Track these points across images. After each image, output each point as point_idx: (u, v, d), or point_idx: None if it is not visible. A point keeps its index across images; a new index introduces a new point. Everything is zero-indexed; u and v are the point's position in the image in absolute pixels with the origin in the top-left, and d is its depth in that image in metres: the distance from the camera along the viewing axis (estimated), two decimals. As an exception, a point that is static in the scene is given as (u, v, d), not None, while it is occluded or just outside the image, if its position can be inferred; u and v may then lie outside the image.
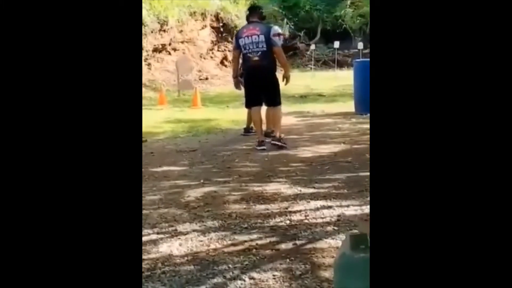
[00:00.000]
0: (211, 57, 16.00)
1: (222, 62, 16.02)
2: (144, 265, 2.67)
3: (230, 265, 2.63)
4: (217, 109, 10.25)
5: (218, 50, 16.19)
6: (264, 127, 6.18)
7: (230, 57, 14.26)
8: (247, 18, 6.23)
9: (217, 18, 16.31)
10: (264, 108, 6.09)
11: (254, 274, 2.51)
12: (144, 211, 3.61)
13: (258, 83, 5.89)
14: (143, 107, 8.17)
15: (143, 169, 5.00)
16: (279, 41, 5.91)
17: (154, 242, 3.01)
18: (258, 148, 5.78)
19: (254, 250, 2.84)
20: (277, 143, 5.80)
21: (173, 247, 2.92)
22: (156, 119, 8.35)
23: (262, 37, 5.72)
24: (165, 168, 5.10)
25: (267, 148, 5.75)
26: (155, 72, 13.74)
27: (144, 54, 10.37)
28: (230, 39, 16.04)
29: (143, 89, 11.00)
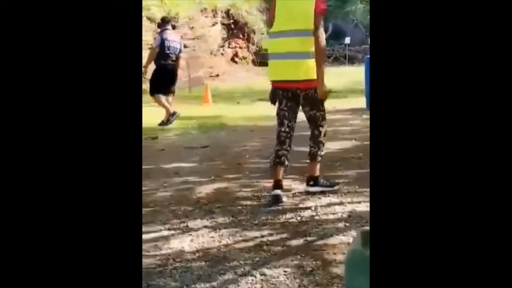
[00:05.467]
0: (222, 54, 16.01)
1: (232, 59, 16.01)
2: (156, 261, 2.68)
3: (241, 261, 2.64)
4: (228, 106, 10.26)
5: (228, 47, 16.20)
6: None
7: (241, 54, 14.50)
8: (160, 25, 8.32)
9: (227, 14, 16.31)
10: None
11: (265, 270, 2.52)
12: (155, 208, 3.63)
13: (171, 76, 8.01)
14: (154, 104, 8.20)
15: (154, 166, 5.03)
16: (182, 51, 8.47)
17: (166, 238, 3.02)
18: (172, 119, 7.95)
19: (265, 246, 2.84)
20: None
21: (184, 243, 2.93)
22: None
23: (179, 45, 8.06)
24: (176, 164, 5.12)
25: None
26: (166, 69, 13.76)
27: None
28: (240, 35, 16.06)
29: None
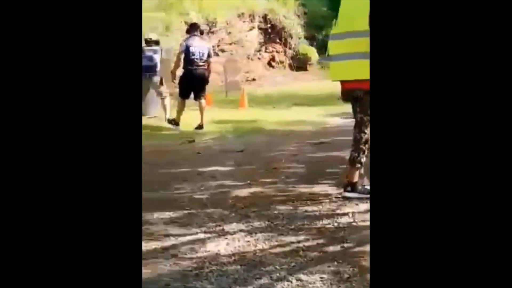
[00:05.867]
0: (259, 58, 16.05)
1: (269, 63, 16.03)
2: (192, 263, 2.69)
3: (277, 266, 2.62)
4: (264, 110, 10.27)
5: (265, 51, 16.22)
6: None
7: (277, 58, 14.59)
8: (188, 31, 8.62)
9: (265, 19, 16.34)
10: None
11: (301, 276, 2.49)
12: (191, 211, 3.65)
13: (197, 81, 8.20)
14: (190, 108, 8.29)
15: (190, 169, 5.07)
16: (212, 56, 8.70)
17: (202, 241, 3.03)
18: (174, 126, 8.21)
19: (301, 251, 2.81)
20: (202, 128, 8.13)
21: (220, 247, 2.93)
22: (204, 119, 8.42)
23: (206, 51, 8.24)
24: (212, 168, 5.14)
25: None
26: (203, 73, 13.87)
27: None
28: (278, 40, 16.07)
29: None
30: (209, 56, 8.31)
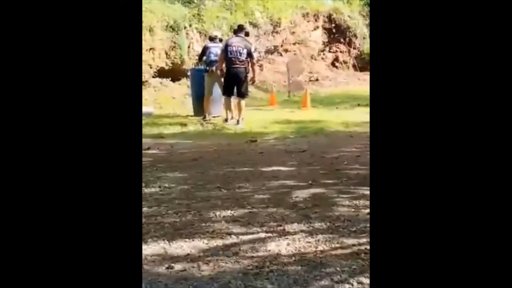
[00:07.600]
0: (322, 58, 15.94)
1: (333, 64, 15.89)
2: (253, 262, 2.72)
3: (338, 268, 2.60)
4: (327, 111, 10.21)
5: (329, 51, 16.09)
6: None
7: (341, 58, 14.50)
8: (235, 32, 8.90)
9: (329, 19, 16.22)
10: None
11: (363, 279, 2.47)
12: (253, 210, 3.68)
13: (235, 79, 8.43)
14: (254, 107, 8.36)
15: (253, 169, 5.11)
16: (254, 55, 9.06)
17: (263, 241, 3.05)
18: (227, 123, 8.51)
19: (363, 254, 2.78)
20: (238, 124, 8.39)
21: (281, 247, 2.94)
22: (266, 119, 8.47)
23: (245, 50, 8.39)
24: (274, 168, 5.16)
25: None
26: (267, 73, 13.95)
27: (256, 55, 10.77)
28: (342, 40, 15.91)
29: (254, 90, 11.23)
30: (250, 56, 8.49)
